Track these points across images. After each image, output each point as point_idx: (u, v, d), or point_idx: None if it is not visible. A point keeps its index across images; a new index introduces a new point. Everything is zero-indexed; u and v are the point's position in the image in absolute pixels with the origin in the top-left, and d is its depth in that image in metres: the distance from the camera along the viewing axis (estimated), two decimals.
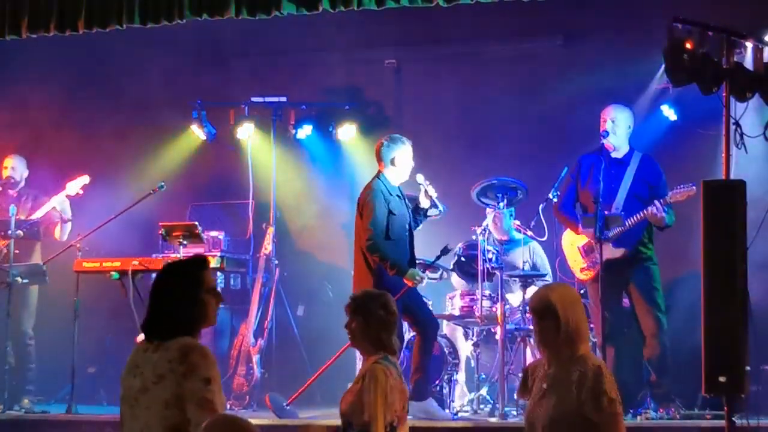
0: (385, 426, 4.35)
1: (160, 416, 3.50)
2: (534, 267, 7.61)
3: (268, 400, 7.07)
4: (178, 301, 3.64)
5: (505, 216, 7.76)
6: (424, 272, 6.70)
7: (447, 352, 7.21)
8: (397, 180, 6.85)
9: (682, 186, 6.51)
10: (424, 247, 7.74)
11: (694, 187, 6.36)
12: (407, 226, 6.80)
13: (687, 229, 6.65)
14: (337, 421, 4.65)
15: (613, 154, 6.78)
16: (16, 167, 8.25)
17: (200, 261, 3.78)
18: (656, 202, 6.56)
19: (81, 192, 8.08)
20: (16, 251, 7.66)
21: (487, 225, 7.16)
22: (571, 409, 3.95)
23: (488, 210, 7.53)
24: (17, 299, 7.74)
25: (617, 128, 6.80)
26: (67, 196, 8.07)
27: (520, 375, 4.76)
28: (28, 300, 7.98)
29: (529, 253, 7.68)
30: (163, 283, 3.70)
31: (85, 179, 8.07)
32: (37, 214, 7.99)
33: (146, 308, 3.73)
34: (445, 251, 6.83)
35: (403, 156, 6.82)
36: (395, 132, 7.06)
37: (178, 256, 7.45)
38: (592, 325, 6.93)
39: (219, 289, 8.38)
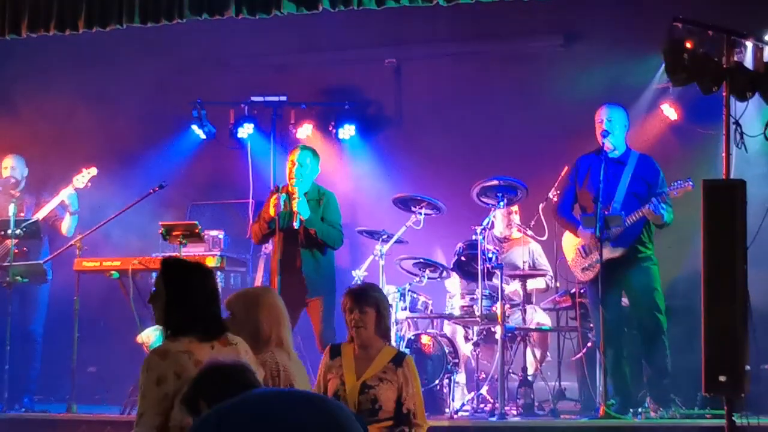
0: None
1: None
2: (533, 267, 7.62)
3: None
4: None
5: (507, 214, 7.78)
6: (423, 271, 6.66)
7: (447, 351, 7.20)
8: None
9: (679, 182, 6.50)
10: (423, 247, 7.75)
11: (691, 184, 6.35)
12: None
13: (687, 229, 6.65)
14: None
15: (611, 154, 6.76)
16: (15, 167, 8.18)
17: None
18: (653, 199, 6.55)
19: (89, 184, 7.88)
20: (24, 249, 7.70)
21: (488, 223, 7.15)
22: None
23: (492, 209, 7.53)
24: (26, 298, 7.77)
25: (614, 128, 6.79)
26: (75, 189, 7.87)
27: None
28: (37, 299, 7.96)
29: (528, 253, 7.67)
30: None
31: (92, 171, 7.88)
32: (42, 212, 7.88)
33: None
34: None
35: None
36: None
37: (178, 255, 7.44)
38: (591, 325, 6.93)
39: (219, 288, 8.51)
